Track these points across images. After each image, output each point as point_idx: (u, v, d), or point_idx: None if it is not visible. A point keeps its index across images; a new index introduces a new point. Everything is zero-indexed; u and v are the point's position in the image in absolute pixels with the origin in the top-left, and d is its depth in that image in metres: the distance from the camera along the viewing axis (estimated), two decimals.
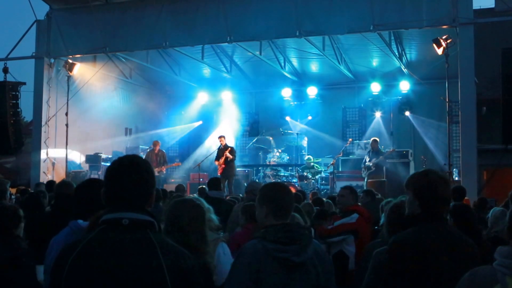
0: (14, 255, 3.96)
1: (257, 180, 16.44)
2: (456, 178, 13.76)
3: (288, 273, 3.04)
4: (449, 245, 2.93)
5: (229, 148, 15.02)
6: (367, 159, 15.31)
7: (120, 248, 2.19)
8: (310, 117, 18.88)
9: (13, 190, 11.82)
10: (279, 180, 15.52)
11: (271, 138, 18.64)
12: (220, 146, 15.41)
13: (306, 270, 3.09)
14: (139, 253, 2.19)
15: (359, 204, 6.89)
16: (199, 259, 3.32)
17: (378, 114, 18.20)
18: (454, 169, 14.17)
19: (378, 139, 16.06)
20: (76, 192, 3.66)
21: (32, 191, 9.83)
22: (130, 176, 2.32)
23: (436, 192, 3.01)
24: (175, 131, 20.25)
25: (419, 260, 2.88)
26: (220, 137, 15.68)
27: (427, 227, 2.98)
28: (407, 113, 17.70)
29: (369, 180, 14.45)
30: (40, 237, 4.10)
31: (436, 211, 3.02)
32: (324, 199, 9.20)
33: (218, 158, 15.17)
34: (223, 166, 14.79)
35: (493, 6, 21.39)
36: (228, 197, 9.35)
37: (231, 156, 14.81)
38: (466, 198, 9.08)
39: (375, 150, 15.45)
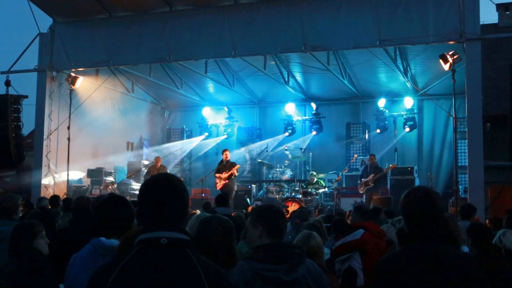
0: (34, 267, 3.93)
1: (258, 195, 16.35)
2: (463, 196, 13.59)
3: None
4: (431, 265, 2.77)
5: (237, 166, 14.99)
6: (365, 175, 15.18)
7: (162, 268, 2.16)
8: (314, 132, 18.77)
9: None
10: (283, 196, 15.38)
11: (274, 153, 18.53)
12: (222, 159, 15.29)
13: None
14: (181, 273, 2.16)
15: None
16: None
17: (382, 130, 18.03)
18: (460, 186, 13.98)
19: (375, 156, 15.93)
20: (98, 209, 3.58)
21: (35, 206, 9.67)
22: (166, 194, 2.30)
23: (416, 209, 2.90)
24: (177, 145, 20.14)
25: (393, 280, 2.80)
26: (224, 151, 15.56)
27: (409, 247, 2.90)
28: (411, 129, 17.56)
29: (374, 197, 14.25)
30: (60, 254, 4.06)
31: (421, 230, 2.87)
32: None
33: (219, 171, 15.02)
34: (227, 182, 14.66)
35: (496, 21, 21.44)
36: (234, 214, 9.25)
37: (236, 174, 14.79)
38: (476, 216, 8.93)
39: (374, 165, 15.27)
